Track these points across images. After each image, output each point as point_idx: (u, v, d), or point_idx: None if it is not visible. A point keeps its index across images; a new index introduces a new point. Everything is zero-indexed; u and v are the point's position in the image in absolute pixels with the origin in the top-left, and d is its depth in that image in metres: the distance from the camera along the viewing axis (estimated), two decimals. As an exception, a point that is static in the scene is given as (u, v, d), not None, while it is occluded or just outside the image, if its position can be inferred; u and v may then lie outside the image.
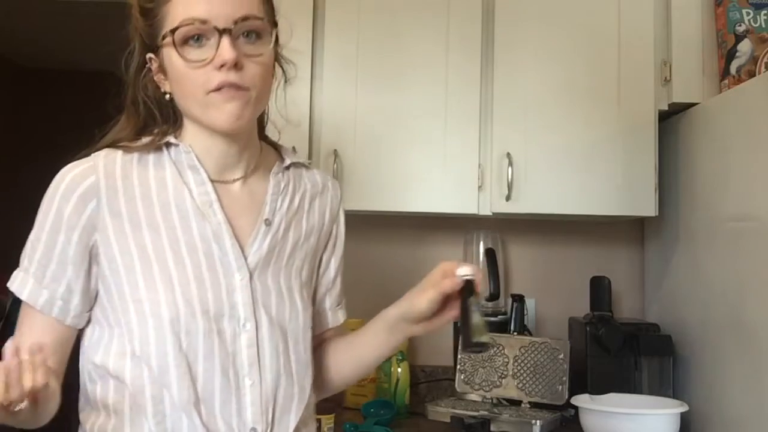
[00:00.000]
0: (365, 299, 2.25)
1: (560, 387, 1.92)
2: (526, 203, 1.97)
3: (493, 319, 2.11)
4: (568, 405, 1.88)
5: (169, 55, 1.03)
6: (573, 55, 1.99)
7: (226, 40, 1.00)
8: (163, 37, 1.03)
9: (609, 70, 1.98)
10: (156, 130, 1.11)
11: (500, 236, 2.26)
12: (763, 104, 1.55)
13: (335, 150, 1.97)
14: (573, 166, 1.96)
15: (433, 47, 2.00)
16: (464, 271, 1.10)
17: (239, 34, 1.02)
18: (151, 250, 1.04)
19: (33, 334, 1.04)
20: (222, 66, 1.00)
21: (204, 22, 1.00)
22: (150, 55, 1.07)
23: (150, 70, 1.09)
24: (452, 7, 2.01)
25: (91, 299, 1.07)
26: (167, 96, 1.08)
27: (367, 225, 2.31)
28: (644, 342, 1.93)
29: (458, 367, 2.04)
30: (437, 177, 1.98)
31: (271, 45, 1.07)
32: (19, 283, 1.06)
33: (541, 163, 1.96)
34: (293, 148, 1.32)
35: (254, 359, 1.06)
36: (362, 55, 2.01)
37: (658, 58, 1.98)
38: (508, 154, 1.96)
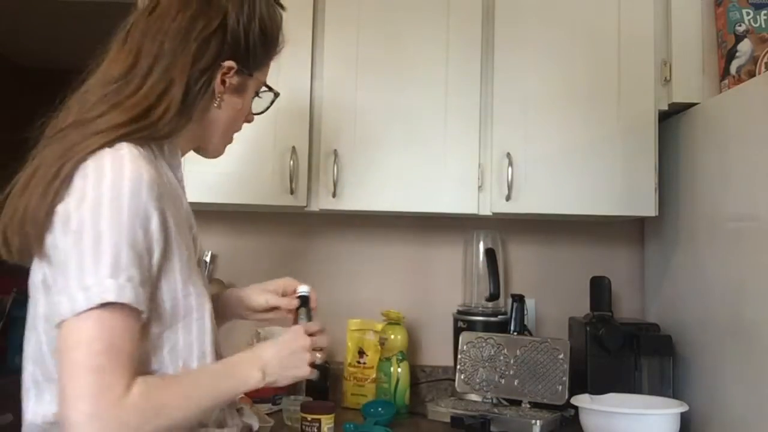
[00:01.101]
0: (365, 299, 2.26)
1: (560, 387, 1.92)
2: (526, 203, 1.97)
3: (493, 319, 2.11)
4: (568, 405, 1.88)
5: (251, 91, 1.24)
6: (573, 55, 1.99)
7: None
8: (268, 86, 1.27)
9: (609, 70, 1.98)
10: (167, 122, 1.09)
11: (500, 236, 2.26)
12: (763, 104, 1.55)
13: (335, 150, 1.97)
14: (573, 166, 1.96)
15: (433, 47, 2.00)
16: (303, 288, 1.37)
17: None
18: (185, 246, 1.09)
19: (135, 341, 0.98)
20: (248, 122, 1.29)
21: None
22: (232, 65, 1.16)
23: (218, 68, 1.14)
24: (452, 7, 2.01)
25: None
26: (215, 104, 1.17)
27: (366, 225, 2.31)
28: (644, 342, 1.93)
29: (458, 367, 2.04)
30: (437, 177, 1.98)
31: None
32: (133, 296, 0.96)
33: (541, 163, 1.96)
34: None
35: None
36: (362, 54, 2.01)
37: (658, 58, 1.98)
38: (508, 154, 1.96)
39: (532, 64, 1.99)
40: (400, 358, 2.07)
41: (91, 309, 0.94)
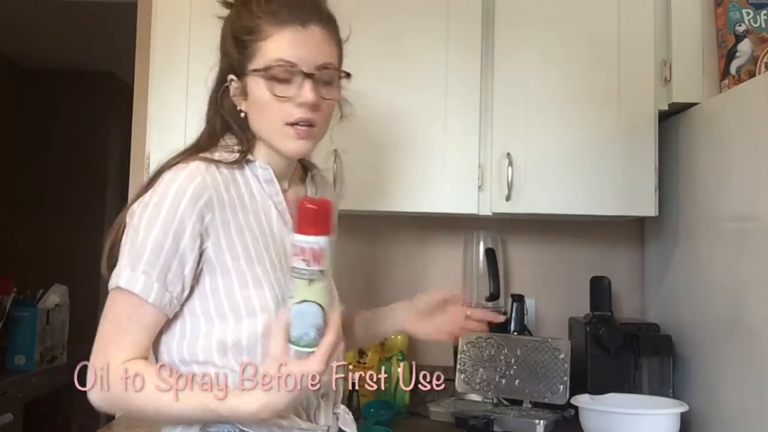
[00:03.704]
0: (365, 299, 2.26)
1: (561, 387, 1.92)
2: (526, 203, 1.97)
3: (493, 319, 2.11)
4: (568, 405, 1.88)
5: (256, 84, 1.19)
6: (573, 54, 1.99)
7: (309, 84, 1.17)
8: (255, 69, 1.19)
9: (609, 70, 1.98)
10: (236, 148, 1.23)
11: (500, 236, 2.26)
12: (763, 104, 1.55)
13: (335, 150, 1.97)
14: (573, 166, 1.96)
15: (433, 47, 2.00)
16: None
17: (319, 78, 1.19)
18: (253, 252, 1.18)
19: (143, 327, 1.14)
20: (302, 104, 1.18)
21: (293, 65, 1.17)
22: (232, 77, 1.23)
23: (227, 88, 1.24)
24: (452, 8, 2.00)
25: None
26: (242, 114, 1.24)
27: (367, 225, 2.31)
28: (644, 342, 1.93)
29: (458, 367, 2.05)
30: (437, 177, 1.98)
31: (340, 90, 1.27)
32: (142, 287, 1.12)
33: (541, 163, 1.96)
34: None
35: None
36: (362, 55, 2.00)
37: (658, 58, 1.98)
38: (508, 154, 1.96)
39: (532, 64, 1.99)
40: (400, 358, 2.07)
41: (114, 289, 1.13)
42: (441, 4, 2.00)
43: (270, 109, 1.19)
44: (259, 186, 1.24)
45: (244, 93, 1.22)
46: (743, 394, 1.62)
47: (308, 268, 1.05)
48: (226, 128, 1.26)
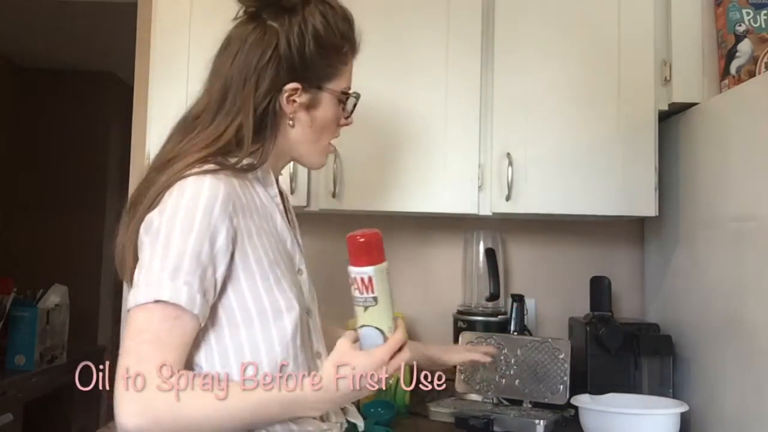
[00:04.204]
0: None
1: (561, 387, 1.92)
2: (526, 203, 1.97)
3: (493, 319, 2.12)
4: (568, 405, 1.88)
5: (330, 102, 1.27)
6: (573, 55, 1.99)
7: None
8: (343, 91, 1.28)
9: (609, 70, 1.98)
10: (247, 150, 1.19)
11: (500, 236, 2.26)
12: (763, 104, 1.56)
13: (335, 150, 1.96)
14: (573, 166, 1.96)
15: (433, 47, 2.00)
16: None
17: None
18: (272, 256, 1.18)
19: (184, 342, 1.08)
20: (344, 126, 1.33)
21: (352, 93, 1.31)
22: (297, 85, 1.21)
23: (280, 91, 1.21)
24: (452, 7, 2.01)
25: None
26: (290, 123, 1.24)
27: (367, 225, 2.31)
28: (644, 342, 1.93)
29: (458, 367, 2.04)
30: (437, 177, 1.98)
31: None
32: (187, 298, 1.06)
33: (541, 163, 1.97)
34: None
35: (319, 337, 1.28)
36: (362, 54, 2.00)
37: (658, 58, 1.98)
38: (508, 154, 1.96)
39: (532, 64, 1.99)
40: (400, 358, 2.07)
41: (148, 303, 1.05)
42: (441, 4, 2.01)
43: (330, 127, 1.29)
44: (262, 190, 1.25)
45: (312, 105, 1.25)
46: (743, 394, 1.62)
47: (361, 295, 1.12)
48: (254, 133, 1.19)
